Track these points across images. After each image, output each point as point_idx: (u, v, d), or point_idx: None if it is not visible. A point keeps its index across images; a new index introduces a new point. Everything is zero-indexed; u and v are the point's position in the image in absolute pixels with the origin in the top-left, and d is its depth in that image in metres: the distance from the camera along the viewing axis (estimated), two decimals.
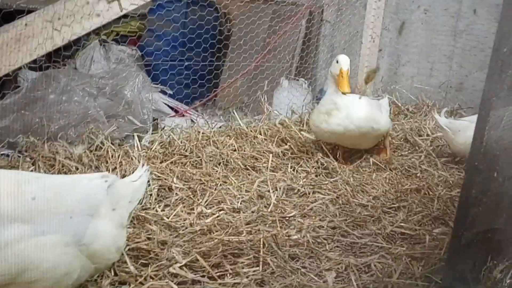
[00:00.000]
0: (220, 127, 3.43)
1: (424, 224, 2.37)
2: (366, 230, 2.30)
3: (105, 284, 1.74)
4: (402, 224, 2.35)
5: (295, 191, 2.67)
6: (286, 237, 2.18)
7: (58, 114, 2.77)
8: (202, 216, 2.31)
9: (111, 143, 2.76)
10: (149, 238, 2.06)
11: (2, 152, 2.51)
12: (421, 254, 2.08)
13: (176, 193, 2.47)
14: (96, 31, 3.78)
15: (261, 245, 2.06)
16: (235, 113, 3.47)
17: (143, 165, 1.87)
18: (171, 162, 2.78)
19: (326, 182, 2.81)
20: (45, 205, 1.35)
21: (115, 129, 2.88)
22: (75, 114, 2.80)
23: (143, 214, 2.23)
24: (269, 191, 2.61)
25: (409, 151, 3.37)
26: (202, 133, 3.13)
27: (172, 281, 1.78)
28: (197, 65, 3.89)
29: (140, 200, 2.32)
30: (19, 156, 2.49)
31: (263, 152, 3.01)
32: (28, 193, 1.35)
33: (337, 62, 2.83)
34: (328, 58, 4.54)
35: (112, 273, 1.81)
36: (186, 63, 3.90)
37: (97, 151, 2.68)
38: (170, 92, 3.85)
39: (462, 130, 3.08)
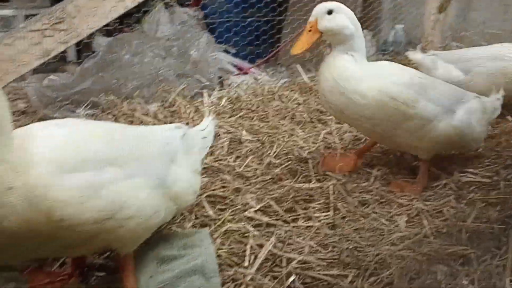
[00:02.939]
0: (284, 82, 3.46)
1: (497, 171, 2.31)
2: (437, 181, 2.27)
3: (188, 226, 1.88)
4: (473, 171, 2.30)
5: (362, 141, 2.68)
6: (355, 184, 2.21)
7: (132, 75, 2.93)
8: (272, 166, 2.39)
9: (182, 100, 2.89)
10: (223, 186, 2.18)
11: (87, 112, 2.73)
12: (496, 199, 2.05)
13: (246, 145, 2.56)
14: None
15: (331, 192, 2.12)
16: (299, 68, 3.48)
17: (209, 115, 1.97)
18: (239, 117, 2.87)
19: None
20: (133, 151, 1.48)
21: (185, 86, 3.01)
22: (148, 74, 2.96)
23: (216, 165, 2.34)
24: (335, 141, 2.64)
25: None
26: (267, 89, 3.18)
27: (248, 224, 1.89)
28: (259, 21, 3.89)
29: (210, 150, 2.45)
30: (102, 114, 2.70)
31: None
32: (118, 140, 1.48)
33: None
34: (391, 7, 4.37)
35: (193, 217, 1.95)
36: (248, 20, 3.91)
37: (170, 107, 2.83)
38: (233, 50, 3.91)
39: (433, 67, 2.89)
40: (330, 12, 2.08)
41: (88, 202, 1.25)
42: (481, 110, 2.29)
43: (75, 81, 2.90)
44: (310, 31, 2.09)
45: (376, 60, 2.47)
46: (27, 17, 3.14)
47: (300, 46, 2.07)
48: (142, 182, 1.44)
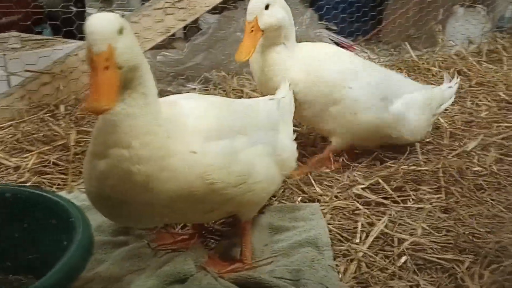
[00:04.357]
0: (388, 60, 3.36)
1: None
2: None
3: (298, 200, 1.94)
4: None
5: (475, 123, 2.54)
6: (467, 167, 2.11)
7: None
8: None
9: None
10: None
11: (199, 86, 2.88)
12: None
13: None
14: None
15: (441, 174, 2.04)
16: (407, 45, 3.35)
17: (286, 82, 1.98)
18: None
19: None
20: (250, 121, 1.55)
21: None
22: None
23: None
24: (446, 123, 2.54)
25: None
26: None
27: (357, 202, 1.89)
28: None
29: None
30: (214, 89, 2.82)
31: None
32: (239, 111, 1.56)
33: None
34: None
35: (301, 192, 1.99)
36: None
37: None
38: (336, 28, 3.85)
39: None
40: (267, 6, 1.89)
41: (230, 166, 1.36)
42: (423, 102, 2.19)
43: (186, 57, 3.06)
44: (252, 31, 1.88)
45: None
46: None
47: (245, 51, 1.85)
48: (263, 149, 1.52)
